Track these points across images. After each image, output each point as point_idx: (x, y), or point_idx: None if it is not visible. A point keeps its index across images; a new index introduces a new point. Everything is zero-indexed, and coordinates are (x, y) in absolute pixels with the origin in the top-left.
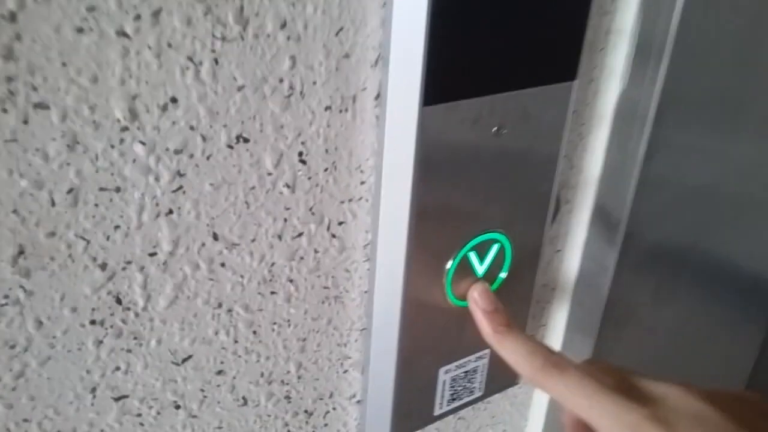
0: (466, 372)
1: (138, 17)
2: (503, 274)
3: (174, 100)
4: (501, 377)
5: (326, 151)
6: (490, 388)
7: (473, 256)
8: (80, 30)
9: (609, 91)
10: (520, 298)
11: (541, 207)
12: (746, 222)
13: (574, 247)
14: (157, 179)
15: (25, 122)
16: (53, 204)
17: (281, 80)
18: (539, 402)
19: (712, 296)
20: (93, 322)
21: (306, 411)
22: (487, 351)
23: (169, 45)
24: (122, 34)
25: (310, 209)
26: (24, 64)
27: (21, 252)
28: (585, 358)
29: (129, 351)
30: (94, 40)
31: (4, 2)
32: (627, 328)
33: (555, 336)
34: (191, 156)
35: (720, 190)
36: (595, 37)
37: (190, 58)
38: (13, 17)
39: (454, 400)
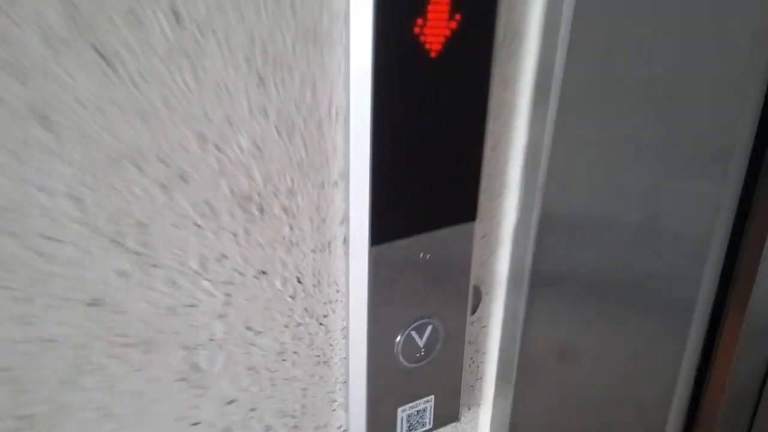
0: (417, 410)
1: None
2: (438, 345)
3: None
4: (445, 415)
5: (314, 275)
6: (437, 422)
7: (414, 334)
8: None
9: (505, 224)
10: (454, 360)
11: (462, 299)
12: (651, 250)
13: (496, 320)
14: (213, 297)
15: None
16: (175, 314)
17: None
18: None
19: (624, 326)
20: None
21: None
22: (432, 396)
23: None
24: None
25: (305, 309)
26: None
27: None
28: (509, 405)
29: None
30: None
31: None
32: (543, 372)
33: (487, 387)
34: (234, 284)
35: (622, 220)
36: (491, 185)
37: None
38: None
39: (410, 430)
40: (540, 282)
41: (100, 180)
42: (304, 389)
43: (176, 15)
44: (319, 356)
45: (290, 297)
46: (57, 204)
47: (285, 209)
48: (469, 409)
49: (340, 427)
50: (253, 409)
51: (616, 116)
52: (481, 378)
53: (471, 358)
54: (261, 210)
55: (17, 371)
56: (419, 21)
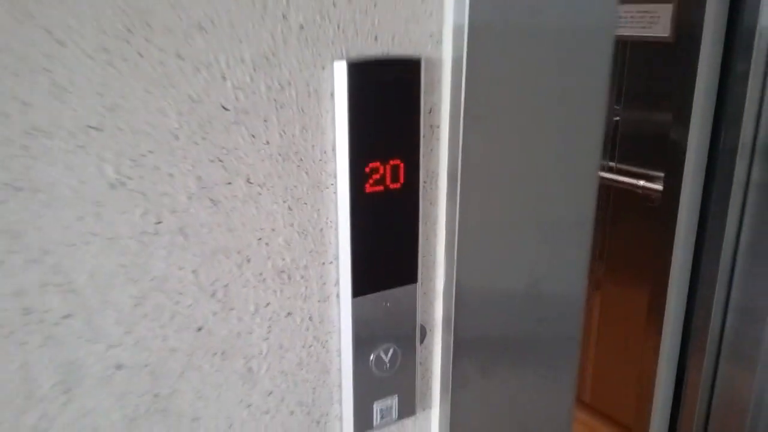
0: (387, 405)
1: None
2: (398, 362)
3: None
4: (406, 410)
5: (319, 316)
6: (400, 414)
7: (382, 354)
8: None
9: (438, 285)
10: (409, 373)
11: (413, 334)
12: (536, 306)
13: (437, 348)
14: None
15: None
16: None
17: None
18: (435, 426)
19: (525, 368)
20: None
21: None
22: (396, 395)
23: None
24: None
25: (315, 337)
26: None
27: None
28: (449, 408)
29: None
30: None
31: None
32: (471, 384)
33: (435, 395)
34: (273, 320)
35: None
36: (426, 261)
37: None
38: None
39: (383, 418)
40: (462, 325)
41: (209, 265)
42: (314, 388)
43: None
44: (322, 367)
45: (306, 329)
46: (187, 278)
47: (303, 277)
48: (424, 410)
49: (336, 415)
50: (282, 399)
51: (501, 206)
52: (430, 388)
53: (422, 374)
54: (289, 278)
55: (153, 366)
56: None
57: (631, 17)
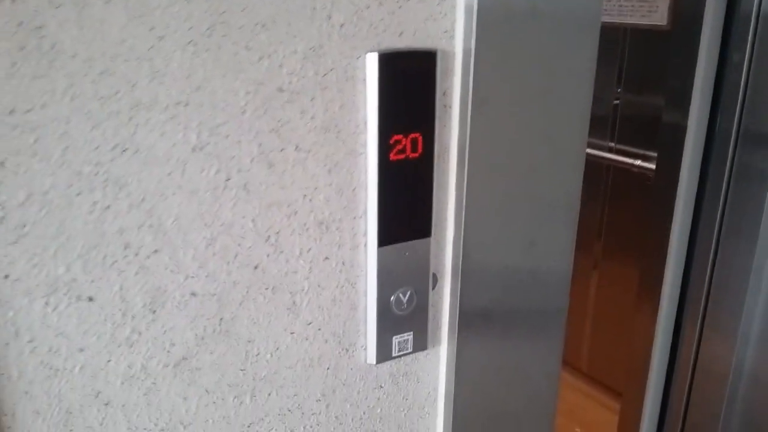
0: (404, 339)
1: None
2: (414, 303)
3: None
4: (419, 344)
5: (351, 260)
6: (415, 348)
7: (401, 295)
8: None
9: (447, 240)
10: (422, 313)
11: (426, 280)
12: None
13: (446, 294)
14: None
15: None
16: None
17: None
18: (443, 361)
19: (521, 316)
20: None
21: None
22: (411, 332)
23: None
24: None
25: (347, 279)
26: None
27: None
28: (455, 346)
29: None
30: None
31: None
32: (474, 326)
33: (443, 334)
34: (318, 263)
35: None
36: (439, 218)
37: None
38: None
39: (400, 351)
40: (468, 274)
41: (265, 215)
42: (344, 322)
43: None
44: (351, 304)
45: (339, 272)
46: (248, 225)
47: (338, 228)
48: (434, 346)
49: (362, 345)
50: (319, 329)
51: (502, 175)
52: (439, 327)
53: (433, 315)
54: (327, 228)
55: (219, 295)
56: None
57: (632, 6)
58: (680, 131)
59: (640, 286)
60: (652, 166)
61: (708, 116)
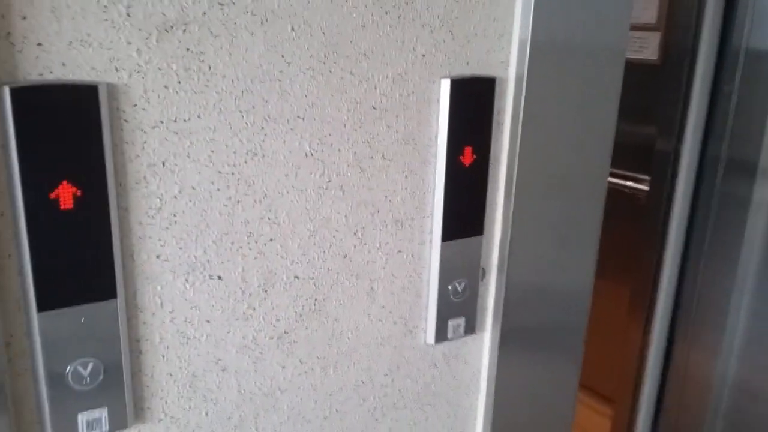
0: (457, 324)
1: None
2: (468, 293)
3: None
4: (469, 329)
5: (421, 254)
6: (466, 331)
7: (457, 284)
8: None
9: (495, 239)
10: (472, 300)
11: (476, 272)
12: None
13: (492, 285)
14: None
15: None
16: None
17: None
18: (486, 345)
19: (552, 306)
20: None
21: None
22: (463, 317)
23: None
24: None
25: (419, 261)
26: None
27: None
28: (499, 330)
29: None
30: None
31: None
32: (516, 313)
33: (488, 319)
34: (391, 250)
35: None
36: (489, 224)
37: None
38: None
39: (454, 333)
40: (511, 269)
41: (354, 212)
42: (410, 307)
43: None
44: (417, 292)
45: (408, 263)
46: (341, 220)
47: (410, 225)
48: (482, 331)
49: (423, 328)
50: (390, 312)
51: (543, 183)
52: (485, 315)
53: (480, 304)
54: (401, 225)
55: (316, 279)
56: None
57: None
58: (673, 157)
59: (631, 302)
60: (642, 187)
61: (700, 144)
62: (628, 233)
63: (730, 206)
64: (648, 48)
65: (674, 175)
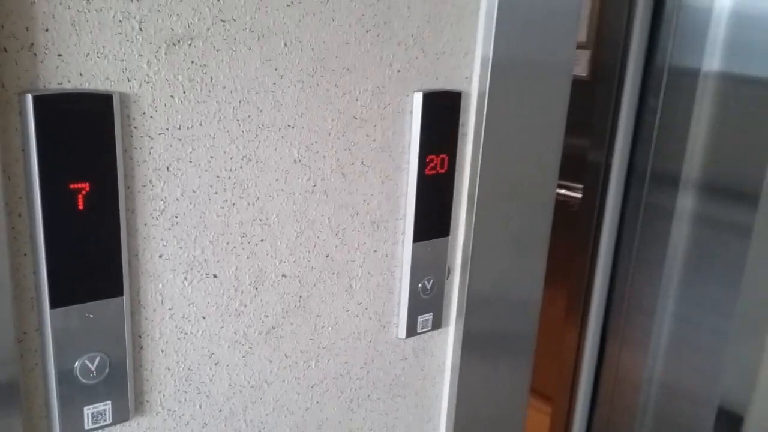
0: (426, 319)
1: None
2: (435, 289)
3: None
4: (436, 323)
5: (393, 253)
6: (433, 326)
7: (426, 282)
8: None
9: (458, 241)
10: (439, 296)
11: (443, 272)
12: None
13: (455, 284)
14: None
15: None
16: None
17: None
18: (451, 339)
19: (513, 302)
20: None
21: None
22: (431, 313)
23: None
24: None
25: (389, 256)
26: None
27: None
28: (462, 326)
29: None
30: None
31: None
32: (478, 310)
33: (452, 314)
34: (368, 248)
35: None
36: (455, 224)
37: None
38: None
39: (423, 328)
40: (474, 270)
41: (336, 215)
42: (384, 303)
43: None
44: (390, 289)
45: (383, 262)
46: (324, 222)
47: (385, 227)
48: (447, 325)
49: (395, 323)
50: (366, 308)
51: (503, 189)
52: (450, 311)
53: (446, 300)
54: (377, 227)
55: (301, 277)
56: None
57: None
58: (604, 168)
59: (567, 306)
60: (575, 194)
61: (629, 155)
62: (563, 239)
63: (655, 215)
64: (579, 65)
65: (605, 185)
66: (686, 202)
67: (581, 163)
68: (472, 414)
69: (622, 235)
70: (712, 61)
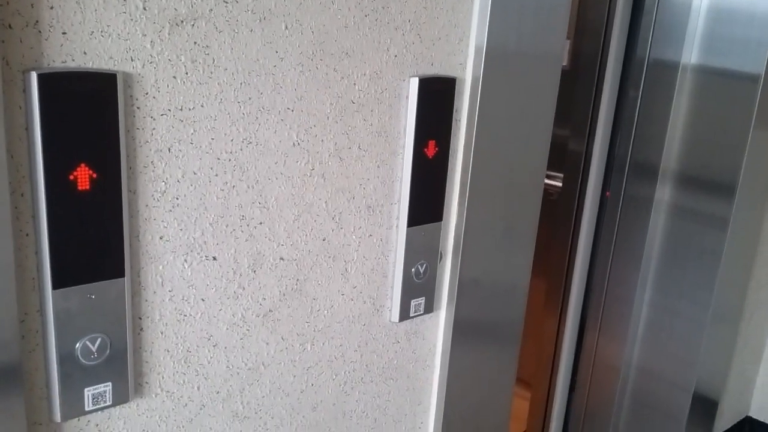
0: (418, 303)
1: None
2: (428, 273)
3: None
4: (428, 308)
5: (387, 237)
6: (426, 310)
7: (419, 267)
8: None
9: (451, 226)
10: (431, 281)
11: (435, 256)
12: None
13: (447, 267)
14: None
15: None
16: None
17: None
18: (442, 322)
19: (502, 284)
20: None
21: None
22: (423, 297)
23: None
24: None
25: (382, 239)
26: None
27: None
28: (453, 309)
29: None
30: None
31: None
32: (468, 292)
33: (443, 298)
34: (364, 229)
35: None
36: (448, 210)
37: None
38: None
39: (415, 312)
40: (465, 255)
41: (333, 198)
42: (378, 287)
43: None
44: (384, 272)
45: (378, 246)
46: (322, 206)
47: (380, 211)
48: (438, 309)
49: (388, 306)
50: (361, 292)
51: (495, 173)
52: (442, 295)
53: (438, 284)
54: (373, 211)
55: (298, 260)
56: None
57: None
58: (584, 157)
59: (547, 294)
60: (555, 183)
61: (608, 145)
62: (543, 227)
63: (634, 205)
64: None
65: (585, 175)
66: (664, 192)
67: (562, 152)
68: (462, 397)
69: (601, 225)
70: (691, 54)
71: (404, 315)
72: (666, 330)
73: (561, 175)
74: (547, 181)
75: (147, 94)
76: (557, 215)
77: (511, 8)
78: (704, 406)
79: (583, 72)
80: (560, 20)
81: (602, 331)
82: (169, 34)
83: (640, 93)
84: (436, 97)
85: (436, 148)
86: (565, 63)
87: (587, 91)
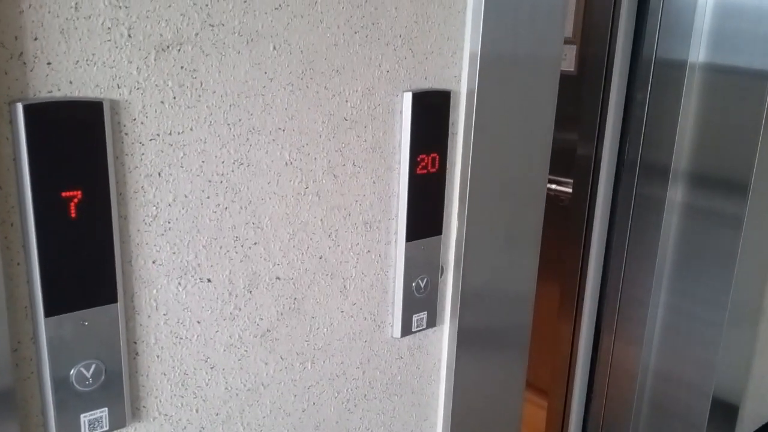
0: (420, 318)
1: None
2: (429, 288)
3: None
4: (431, 322)
5: (386, 253)
6: (428, 325)
7: (420, 281)
8: None
9: (452, 239)
10: (433, 296)
11: (436, 271)
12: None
13: (449, 281)
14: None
15: None
16: None
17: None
18: (446, 336)
19: (504, 300)
20: None
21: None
22: (426, 311)
23: None
24: None
25: (380, 254)
26: None
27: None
28: (456, 323)
29: None
30: None
31: None
32: (471, 306)
33: (446, 313)
34: (361, 251)
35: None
36: (447, 225)
37: None
38: None
39: (417, 327)
40: (467, 267)
41: (329, 216)
42: (378, 303)
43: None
44: (383, 288)
45: (377, 262)
46: (317, 223)
47: (377, 227)
48: (441, 324)
49: (389, 322)
50: (360, 309)
51: (494, 186)
52: (444, 309)
53: (440, 298)
54: (370, 227)
55: (295, 279)
56: None
57: None
58: (594, 161)
59: (561, 300)
60: (566, 189)
61: (618, 148)
62: (555, 234)
63: (646, 207)
64: (566, 60)
65: (595, 178)
66: (677, 193)
67: (571, 157)
68: (469, 410)
69: (613, 228)
70: (699, 52)
71: (406, 330)
72: (683, 333)
73: (571, 180)
74: (557, 187)
75: (135, 120)
76: (569, 221)
77: (504, 17)
78: (724, 411)
79: (590, 75)
80: (556, 26)
81: (618, 336)
82: (155, 59)
83: (648, 93)
84: (431, 110)
85: (433, 162)
86: (572, 68)
87: (595, 94)
